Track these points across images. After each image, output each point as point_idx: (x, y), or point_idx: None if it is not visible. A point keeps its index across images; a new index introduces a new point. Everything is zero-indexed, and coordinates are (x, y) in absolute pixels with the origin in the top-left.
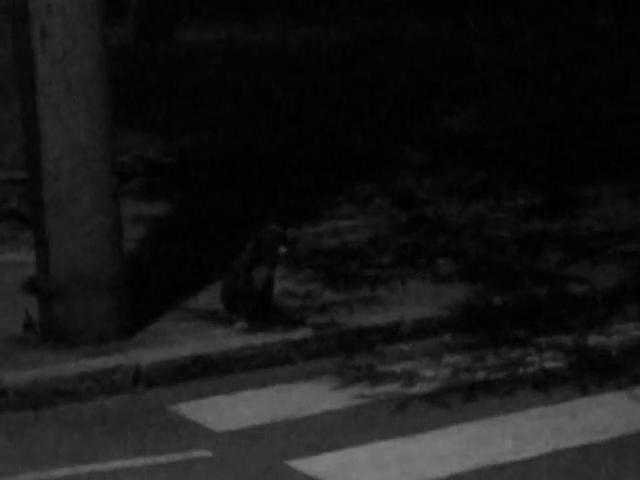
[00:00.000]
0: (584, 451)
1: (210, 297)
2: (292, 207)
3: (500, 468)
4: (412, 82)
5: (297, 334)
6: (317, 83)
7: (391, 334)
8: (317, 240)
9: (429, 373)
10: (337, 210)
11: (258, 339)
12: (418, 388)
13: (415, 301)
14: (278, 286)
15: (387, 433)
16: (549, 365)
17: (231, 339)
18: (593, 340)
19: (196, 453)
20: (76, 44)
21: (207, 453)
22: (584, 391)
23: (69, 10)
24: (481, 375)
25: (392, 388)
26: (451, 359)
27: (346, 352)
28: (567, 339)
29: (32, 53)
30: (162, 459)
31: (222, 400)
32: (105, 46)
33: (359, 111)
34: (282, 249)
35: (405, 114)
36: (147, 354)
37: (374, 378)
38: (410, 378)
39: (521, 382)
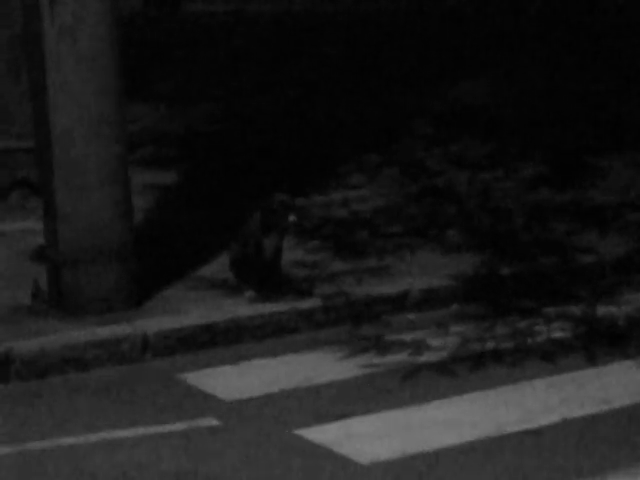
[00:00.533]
0: (591, 421)
1: (219, 266)
2: (301, 176)
3: (507, 437)
4: (423, 54)
5: (305, 303)
6: (328, 54)
7: (399, 304)
8: (326, 209)
9: (437, 343)
10: (346, 180)
11: (266, 308)
12: (426, 357)
13: (423, 271)
14: (287, 255)
15: (394, 402)
16: (557, 335)
17: (239, 308)
18: (601, 310)
19: (204, 422)
20: (85, 11)
21: (215, 422)
22: (592, 361)
23: None
24: (489, 345)
25: (400, 357)
26: (459, 329)
27: (354, 322)
28: (575, 309)
29: (41, 21)
30: (170, 428)
31: (230, 369)
32: (115, 14)
33: (368, 82)
34: (292, 217)
35: (414, 85)
36: (155, 323)
37: (382, 348)
38: (418, 348)
39: (529, 352)
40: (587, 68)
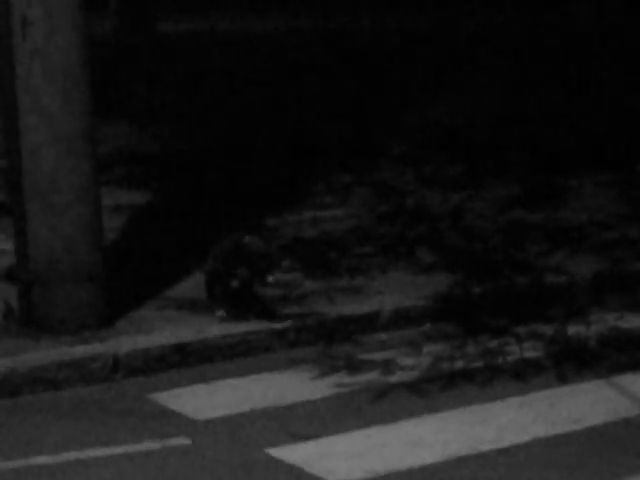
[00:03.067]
0: (563, 440)
1: (190, 286)
2: (273, 196)
3: (479, 457)
4: (395, 74)
5: (277, 323)
6: (300, 73)
7: (370, 323)
8: (298, 229)
9: (409, 362)
10: (318, 199)
11: (238, 328)
12: (397, 377)
13: (395, 290)
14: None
15: (366, 421)
16: (528, 354)
17: (211, 328)
18: (572, 330)
19: (175, 441)
20: (56, 33)
21: (186, 441)
22: (563, 380)
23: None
24: (460, 364)
25: (371, 377)
26: (431, 348)
27: (326, 341)
28: (546, 329)
29: (12, 42)
30: (141, 447)
31: (202, 389)
32: (86, 36)
33: (341, 102)
34: (270, 278)
35: (386, 105)
36: (126, 342)
37: (354, 367)
38: (389, 367)
39: (500, 371)
40: (560, 90)
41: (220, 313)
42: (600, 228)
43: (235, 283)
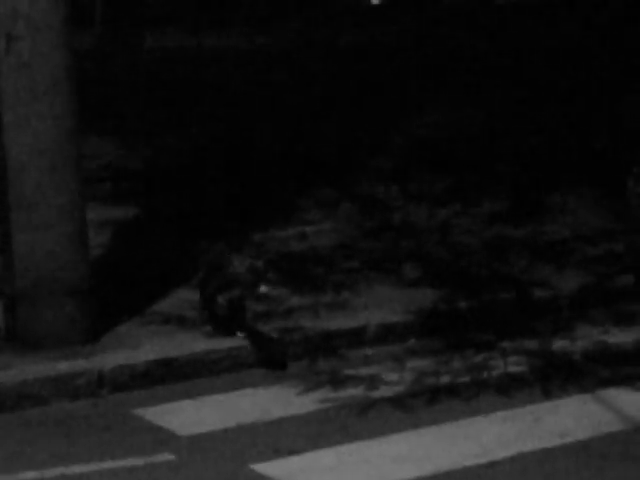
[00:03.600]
0: (547, 455)
1: (176, 301)
2: (259, 211)
3: (464, 471)
4: (380, 89)
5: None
6: (285, 88)
7: (356, 338)
8: (283, 244)
9: (393, 377)
10: (304, 215)
11: (223, 343)
12: (382, 392)
13: (380, 306)
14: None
15: (350, 437)
16: (513, 369)
17: (196, 343)
18: (557, 345)
19: (160, 457)
20: (42, 48)
21: (171, 457)
22: (547, 395)
23: (34, 15)
24: (445, 379)
25: (356, 392)
26: (416, 363)
27: (311, 356)
28: (531, 343)
29: None
30: (126, 463)
31: (187, 404)
32: (71, 51)
33: (327, 117)
34: (263, 288)
35: (372, 121)
36: (111, 358)
37: (339, 382)
38: (374, 382)
39: (485, 386)
40: (546, 104)
41: (207, 329)
42: (585, 243)
43: (223, 304)
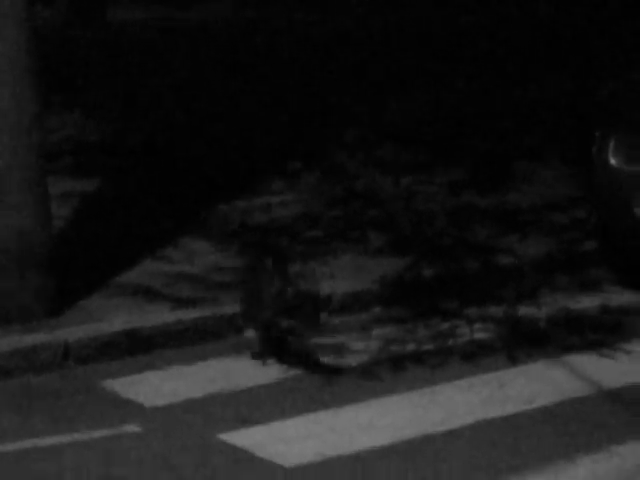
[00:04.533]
0: (512, 421)
1: (140, 273)
2: (222, 182)
3: (428, 439)
4: (348, 61)
5: (227, 308)
6: (248, 61)
7: (322, 308)
8: (248, 215)
9: (359, 346)
10: (268, 185)
11: (188, 314)
12: (348, 360)
13: (346, 275)
14: (207, 260)
15: (317, 405)
16: (479, 336)
17: (162, 314)
18: (522, 311)
19: (127, 428)
20: (2, 26)
21: (137, 428)
22: (513, 361)
23: None
24: (411, 347)
25: (322, 361)
26: (381, 332)
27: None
28: (497, 310)
29: None
30: (92, 435)
31: (153, 375)
32: (32, 28)
33: (291, 88)
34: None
35: (338, 93)
36: (76, 330)
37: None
38: (340, 351)
39: (451, 353)
40: (512, 75)
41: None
42: (550, 210)
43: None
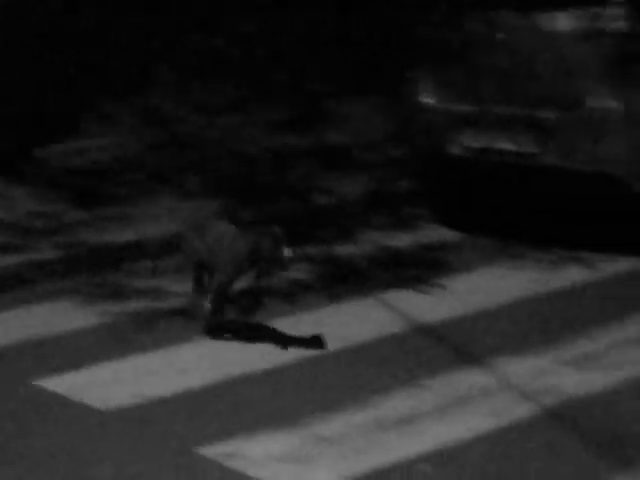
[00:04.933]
0: (330, 358)
1: None
2: (38, 125)
3: (246, 379)
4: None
5: (41, 254)
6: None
7: (139, 251)
8: (64, 159)
9: (177, 288)
10: (85, 129)
11: (5, 260)
12: (166, 303)
13: (164, 218)
14: (24, 207)
15: (133, 349)
16: (297, 276)
17: None
18: (341, 250)
19: None
20: None
21: None
22: (332, 299)
23: None
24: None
25: (140, 305)
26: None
27: (93, 270)
28: (316, 250)
29: None
30: None
31: None
32: None
33: (113, 30)
34: (287, 251)
35: (155, 33)
36: None
37: (122, 295)
38: (158, 294)
39: (270, 293)
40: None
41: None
42: (367, 150)
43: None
